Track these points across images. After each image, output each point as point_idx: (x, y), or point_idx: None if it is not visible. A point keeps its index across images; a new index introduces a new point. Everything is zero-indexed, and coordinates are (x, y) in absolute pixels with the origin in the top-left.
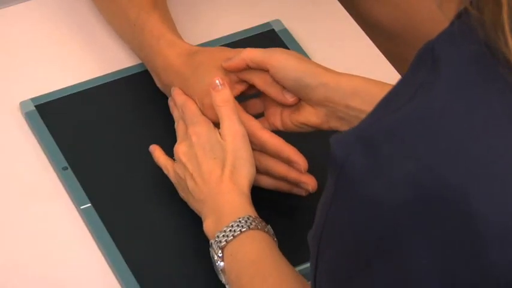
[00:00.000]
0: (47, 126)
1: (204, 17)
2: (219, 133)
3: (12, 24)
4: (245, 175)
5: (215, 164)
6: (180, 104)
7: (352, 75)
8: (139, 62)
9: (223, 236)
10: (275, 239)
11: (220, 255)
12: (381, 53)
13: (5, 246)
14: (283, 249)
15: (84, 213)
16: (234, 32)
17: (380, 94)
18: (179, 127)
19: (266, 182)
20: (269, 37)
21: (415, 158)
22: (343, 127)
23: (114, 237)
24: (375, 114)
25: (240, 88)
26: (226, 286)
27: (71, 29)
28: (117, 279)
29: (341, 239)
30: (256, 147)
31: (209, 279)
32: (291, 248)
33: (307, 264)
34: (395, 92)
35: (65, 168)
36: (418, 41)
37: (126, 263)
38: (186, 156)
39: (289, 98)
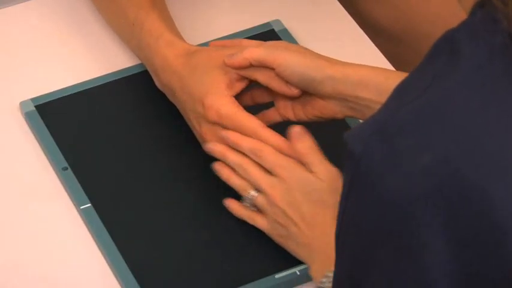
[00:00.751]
0: (47, 126)
1: (203, 16)
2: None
3: (12, 24)
4: None
5: (317, 206)
6: (251, 147)
7: (358, 65)
8: (139, 62)
9: (326, 278)
10: None
11: None
12: (380, 53)
13: (5, 246)
14: (283, 250)
15: (84, 213)
16: (234, 32)
17: (385, 83)
18: (253, 172)
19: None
20: (269, 37)
21: (431, 150)
22: (357, 115)
23: (114, 237)
24: (389, 105)
25: (241, 86)
26: None
27: (71, 29)
28: (117, 279)
29: (358, 234)
30: None
31: (209, 279)
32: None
33: (305, 265)
34: (410, 81)
35: (65, 169)
36: (417, 41)
37: (126, 263)
38: (284, 202)
39: (294, 90)
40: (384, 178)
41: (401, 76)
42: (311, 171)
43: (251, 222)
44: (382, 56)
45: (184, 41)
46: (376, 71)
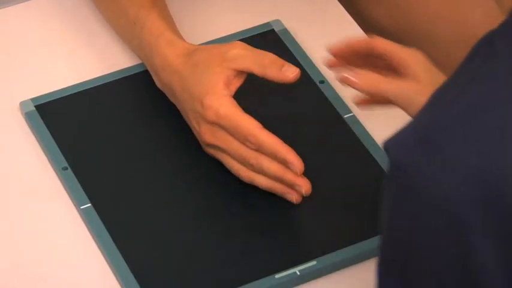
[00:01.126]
0: (47, 126)
1: (203, 16)
2: None
3: (12, 24)
4: None
5: None
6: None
7: None
8: (139, 62)
9: None
10: None
11: None
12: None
13: (5, 246)
14: (282, 250)
15: (84, 213)
16: (234, 32)
17: None
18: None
19: (261, 181)
20: (269, 37)
21: (478, 155)
22: None
23: (114, 237)
24: (428, 110)
25: (238, 83)
26: None
27: (71, 29)
28: (117, 279)
29: (408, 243)
30: (253, 147)
31: (209, 279)
32: (291, 247)
33: (309, 264)
34: (447, 86)
35: (65, 168)
36: (417, 41)
37: (126, 263)
38: None
39: (289, 74)
40: (433, 186)
41: None
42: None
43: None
44: None
45: (185, 40)
46: None
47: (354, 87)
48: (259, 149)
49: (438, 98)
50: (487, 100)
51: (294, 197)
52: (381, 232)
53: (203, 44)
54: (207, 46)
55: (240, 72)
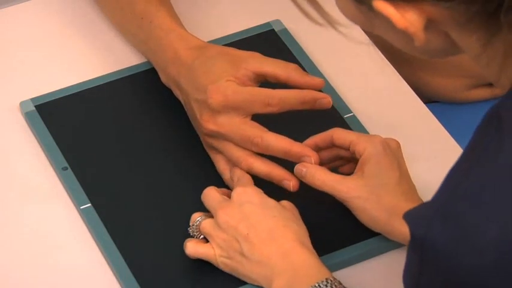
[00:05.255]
0: (47, 126)
1: (203, 16)
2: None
3: (12, 24)
4: (307, 234)
5: (275, 221)
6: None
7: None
8: (140, 61)
9: None
10: None
11: None
12: (381, 54)
13: (5, 246)
14: None
15: (84, 213)
16: (234, 32)
17: None
18: (211, 194)
19: (260, 167)
20: (269, 37)
21: (498, 222)
22: None
23: (114, 237)
24: (446, 186)
25: (252, 85)
26: None
27: (71, 29)
28: (117, 279)
29: None
30: (275, 109)
31: (209, 279)
32: None
33: None
34: (463, 157)
35: (65, 168)
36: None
37: (126, 263)
38: (235, 219)
39: (317, 79)
40: (453, 255)
41: None
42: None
43: (208, 258)
44: (382, 56)
45: (194, 36)
46: None
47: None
48: (281, 105)
49: (453, 175)
50: (501, 172)
51: (291, 184)
52: None
53: None
54: (221, 46)
55: (257, 76)
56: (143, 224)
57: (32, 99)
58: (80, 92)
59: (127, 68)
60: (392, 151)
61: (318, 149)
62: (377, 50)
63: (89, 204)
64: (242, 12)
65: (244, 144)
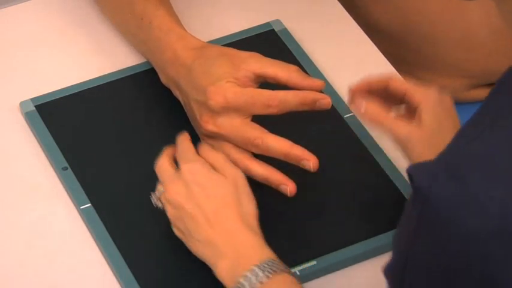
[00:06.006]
0: (47, 126)
1: (203, 16)
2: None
3: (12, 24)
4: (253, 214)
5: (220, 202)
6: (178, 141)
7: None
8: (139, 62)
9: (244, 280)
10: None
11: None
12: (381, 54)
13: (5, 246)
14: (282, 250)
15: (84, 213)
16: (234, 32)
17: None
18: (163, 167)
19: (257, 170)
20: (269, 37)
21: (504, 184)
22: None
23: (114, 237)
24: (456, 142)
25: (252, 86)
26: None
27: (70, 29)
28: (117, 279)
29: (429, 272)
30: (275, 110)
31: (209, 279)
32: (291, 247)
33: (309, 264)
34: (475, 118)
35: (65, 168)
36: (417, 41)
37: (126, 263)
38: (182, 198)
39: (318, 81)
40: (456, 214)
41: None
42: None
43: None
44: (382, 56)
45: (193, 36)
46: None
47: (358, 114)
48: (281, 107)
49: (463, 133)
50: (508, 141)
51: (288, 189)
52: (395, 251)
53: None
54: (220, 46)
55: (257, 77)
56: (143, 224)
57: (32, 99)
58: (80, 92)
59: (127, 68)
60: (448, 104)
61: (368, 91)
62: (377, 50)
63: (89, 204)
64: (242, 12)
65: (244, 146)
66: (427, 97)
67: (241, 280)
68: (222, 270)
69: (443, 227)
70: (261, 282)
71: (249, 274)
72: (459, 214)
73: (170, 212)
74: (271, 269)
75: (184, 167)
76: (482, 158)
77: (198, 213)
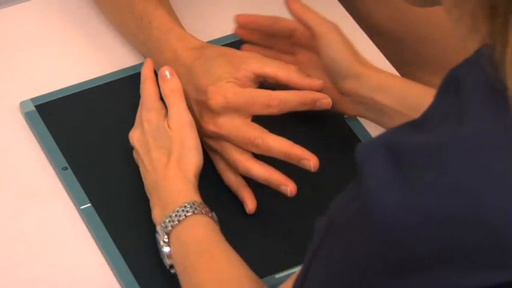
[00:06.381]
0: (47, 126)
1: (203, 16)
2: (167, 122)
3: (12, 24)
4: (192, 163)
5: (162, 152)
6: (141, 81)
7: (379, 70)
8: (139, 61)
9: (169, 221)
10: (218, 225)
11: (166, 240)
12: (381, 54)
13: (5, 246)
14: (282, 250)
15: (84, 213)
16: (234, 32)
17: (402, 91)
18: (138, 112)
19: (258, 171)
20: None
21: (442, 171)
22: (369, 116)
23: (114, 237)
24: (402, 128)
25: (252, 86)
26: (171, 270)
27: (70, 29)
28: (117, 279)
29: (352, 247)
30: (275, 110)
31: None
32: (291, 247)
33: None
34: (424, 116)
35: (65, 168)
36: (417, 42)
37: (126, 263)
38: (138, 143)
39: (317, 81)
40: (387, 191)
41: (419, 88)
42: (165, 116)
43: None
44: (382, 56)
45: (193, 36)
46: (396, 79)
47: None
48: (281, 107)
49: (413, 124)
50: (455, 134)
51: (288, 189)
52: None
53: None
54: (220, 46)
55: (257, 77)
56: (143, 224)
57: (32, 99)
58: (80, 92)
59: (127, 68)
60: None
61: (259, 28)
62: (377, 50)
63: (89, 204)
64: (242, 12)
65: (245, 146)
66: (330, 31)
67: (165, 219)
68: (154, 215)
69: (373, 204)
70: (179, 221)
71: (171, 214)
72: (389, 191)
73: (134, 155)
74: (192, 210)
75: (143, 115)
76: (425, 148)
77: (146, 160)
